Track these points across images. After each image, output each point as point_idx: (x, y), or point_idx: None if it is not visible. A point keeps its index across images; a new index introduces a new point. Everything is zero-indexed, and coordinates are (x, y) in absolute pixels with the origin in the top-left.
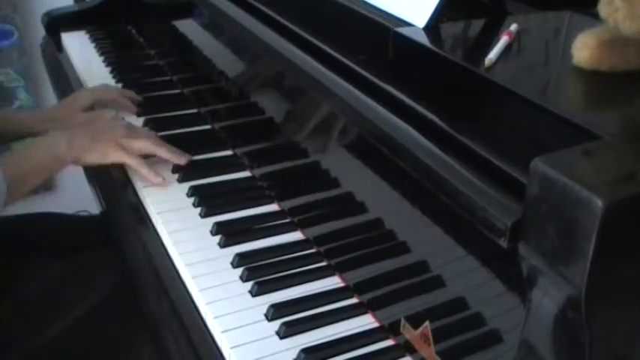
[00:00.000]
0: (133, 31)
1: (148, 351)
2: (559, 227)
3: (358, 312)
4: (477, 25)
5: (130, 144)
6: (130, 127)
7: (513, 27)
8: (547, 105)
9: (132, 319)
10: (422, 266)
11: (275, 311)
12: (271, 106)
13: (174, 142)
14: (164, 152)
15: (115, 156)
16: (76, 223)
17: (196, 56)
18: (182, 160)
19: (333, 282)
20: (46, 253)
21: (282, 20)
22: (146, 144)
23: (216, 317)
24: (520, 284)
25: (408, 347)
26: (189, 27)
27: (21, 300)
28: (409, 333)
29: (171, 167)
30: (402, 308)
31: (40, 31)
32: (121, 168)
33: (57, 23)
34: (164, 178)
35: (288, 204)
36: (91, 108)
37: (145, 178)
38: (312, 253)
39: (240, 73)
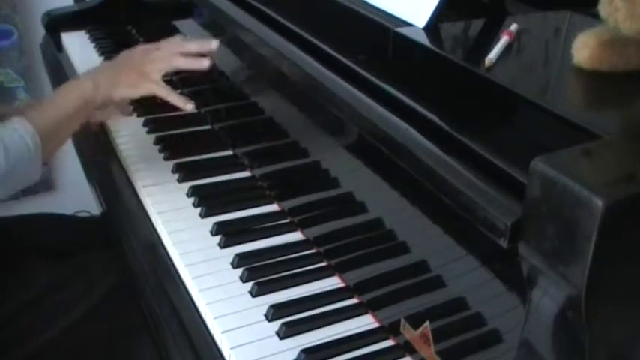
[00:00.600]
0: (133, 31)
1: (148, 351)
2: (559, 227)
3: (358, 312)
4: (477, 25)
5: (152, 69)
6: (148, 49)
7: (513, 27)
8: (547, 105)
9: (132, 320)
10: (422, 266)
11: (275, 311)
12: (271, 106)
13: (174, 142)
14: (183, 63)
15: (144, 88)
16: (76, 224)
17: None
18: (204, 64)
19: (333, 282)
20: (46, 254)
21: (282, 20)
22: (165, 63)
23: (216, 317)
24: (520, 284)
25: (408, 347)
26: (189, 27)
27: (21, 301)
28: (409, 333)
29: (171, 168)
30: (402, 308)
31: (40, 31)
32: (121, 168)
33: (57, 23)
34: (194, 103)
35: (288, 204)
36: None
37: (177, 104)
38: (312, 253)
39: (240, 73)
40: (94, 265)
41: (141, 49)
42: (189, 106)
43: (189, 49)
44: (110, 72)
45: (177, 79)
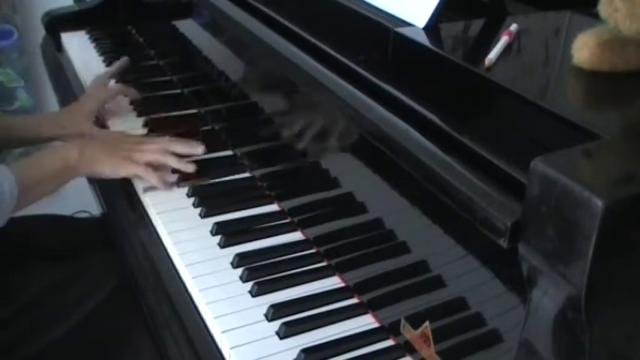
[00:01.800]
0: (133, 31)
1: (148, 351)
2: (559, 227)
3: (358, 312)
4: (477, 25)
5: (140, 157)
6: (139, 140)
7: (513, 27)
8: (547, 105)
9: (132, 320)
10: (422, 266)
11: (275, 311)
12: (271, 106)
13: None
14: (172, 162)
15: (126, 170)
16: (76, 225)
17: (196, 56)
18: (189, 168)
19: (333, 282)
20: (47, 255)
21: (282, 20)
22: (154, 156)
23: (216, 317)
24: (520, 284)
25: (408, 347)
26: (189, 27)
27: (22, 303)
28: (409, 333)
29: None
30: (402, 308)
31: (40, 31)
32: None
33: (57, 23)
34: (172, 183)
35: (288, 204)
36: (97, 112)
37: (157, 186)
38: (312, 253)
39: (240, 73)
40: (95, 266)
41: (133, 138)
42: (169, 187)
43: (177, 150)
44: (99, 148)
45: (177, 80)
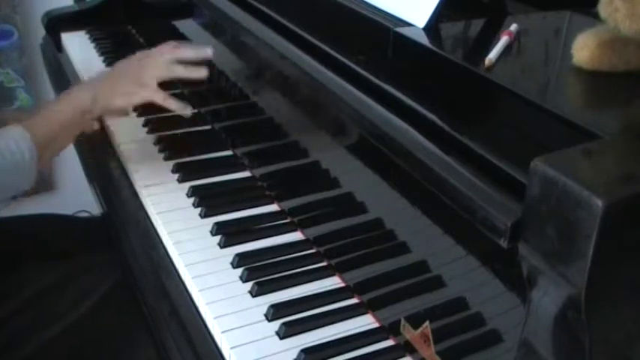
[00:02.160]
0: (133, 31)
1: (148, 351)
2: (559, 227)
3: (358, 312)
4: (477, 25)
5: (148, 78)
6: (143, 57)
7: (513, 27)
8: (547, 105)
9: (132, 320)
10: (422, 266)
11: (275, 311)
12: (271, 106)
13: (174, 142)
14: (181, 72)
15: (140, 96)
16: (76, 224)
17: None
18: (202, 73)
19: (333, 282)
20: (46, 254)
21: (282, 20)
22: (162, 72)
23: (216, 317)
24: (520, 284)
25: (408, 347)
26: (189, 27)
27: (20, 301)
28: (409, 333)
29: (171, 168)
30: (402, 308)
31: (40, 31)
32: (121, 168)
33: (57, 23)
34: (191, 108)
35: (288, 204)
36: None
37: (174, 110)
38: (312, 253)
39: (240, 73)
40: (94, 265)
41: (136, 58)
42: (187, 111)
43: (185, 56)
44: (107, 83)
45: (177, 80)
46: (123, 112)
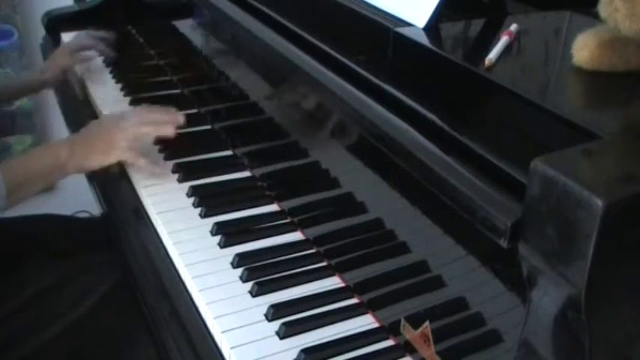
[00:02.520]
0: (133, 31)
1: (148, 351)
2: (559, 227)
3: (358, 312)
4: (477, 25)
5: (121, 140)
6: (118, 120)
7: (513, 27)
8: (547, 105)
9: (132, 320)
10: (422, 266)
11: (275, 311)
12: (271, 106)
13: (174, 142)
14: (151, 130)
15: (111, 158)
16: (76, 224)
17: (196, 56)
18: (169, 132)
19: (333, 282)
20: (46, 254)
21: (282, 20)
22: (133, 133)
23: (216, 317)
24: (520, 284)
25: (408, 347)
26: (189, 27)
27: (20, 301)
28: (409, 333)
29: (171, 167)
30: (402, 308)
31: (40, 31)
32: (120, 166)
33: (57, 23)
34: (160, 168)
35: (288, 204)
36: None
37: (146, 170)
38: (312, 253)
39: (240, 73)
40: (94, 265)
41: (110, 120)
42: (156, 170)
43: (155, 118)
44: (83, 143)
45: (177, 80)
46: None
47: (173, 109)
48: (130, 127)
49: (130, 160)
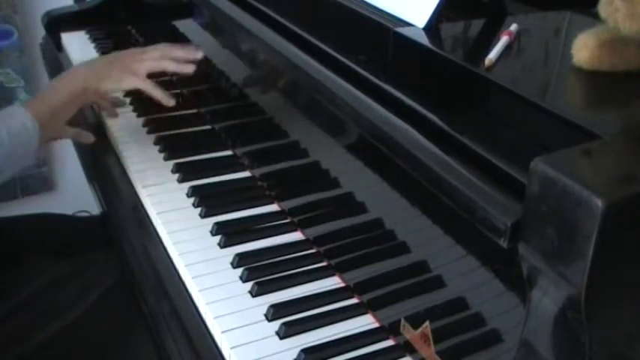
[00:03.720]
0: (133, 31)
1: (147, 351)
2: (559, 227)
3: (358, 312)
4: (477, 25)
5: (139, 68)
6: (139, 52)
7: (513, 27)
8: (547, 105)
9: (132, 320)
10: (422, 266)
11: (275, 311)
12: (271, 106)
13: (174, 142)
14: (171, 66)
15: (127, 83)
16: (76, 223)
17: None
18: (188, 68)
19: (333, 282)
20: (46, 253)
21: (282, 20)
22: (153, 64)
23: (216, 317)
24: (520, 284)
25: (408, 347)
26: (189, 27)
27: (19, 299)
28: (409, 333)
29: (171, 168)
30: (402, 308)
31: (40, 31)
32: (121, 168)
33: (57, 23)
34: (174, 99)
35: (288, 204)
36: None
37: (159, 100)
38: (312, 253)
39: (240, 73)
40: (94, 264)
41: (132, 50)
42: (171, 102)
43: (176, 55)
44: (100, 67)
45: (178, 80)
46: (112, 104)
47: (193, 47)
48: (150, 59)
49: (145, 87)
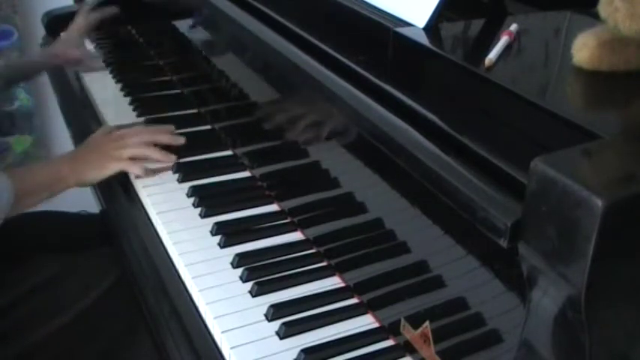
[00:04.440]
0: (133, 31)
1: (147, 351)
2: (559, 227)
3: (358, 312)
4: (477, 25)
5: (123, 154)
6: (120, 137)
7: (513, 27)
8: (547, 105)
9: (131, 320)
10: (422, 266)
11: (275, 311)
12: (271, 105)
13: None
14: (155, 155)
15: (110, 169)
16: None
17: (196, 56)
18: (171, 160)
19: (333, 282)
20: (46, 250)
21: (282, 20)
22: (136, 151)
23: (216, 317)
24: (520, 284)
25: (408, 347)
26: (189, 27)
27: (19, 294)
28: (409, 333)
29: (171, 168)
30: (402, 308)
31: (40, 31)
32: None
33: (57, 23)
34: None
35: (288, 204)
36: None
37: (141, 176)
38: (312, 253)
39: (240, 73)
40: (94, 263)
41: (110, 136)
42: (172, 160)
43: (160, 141)
44: (82, 158)
45: (177, 80)
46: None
47: (173, 130)
48: (132, 146)
49: (131, 170)
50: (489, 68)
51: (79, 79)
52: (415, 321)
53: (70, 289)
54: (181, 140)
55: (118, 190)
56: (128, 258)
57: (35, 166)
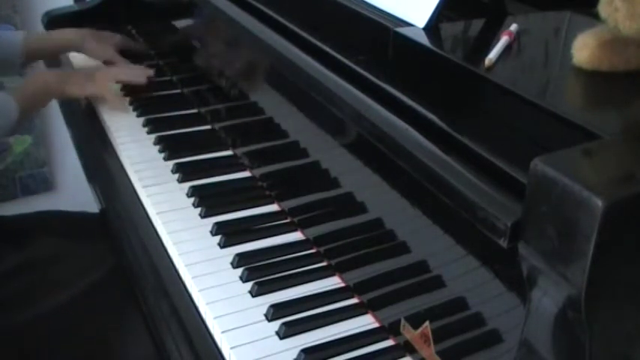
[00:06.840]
0: (133, 31)
1: (148, 351)
2: (559, 227)
3: (358, 312)
4: (477, 25)
5: (101, 77)
6: (104, 67)
7: (513, 27)
8: (547, 105)
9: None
10: (422, 266)
11: (275, 311)
12: (271, 106)
13: (174, 142)
14: (125, 76)
15: (90, 90)
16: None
17: (196, 56)
18: (141, 79)
19: (333, 282)
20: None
21: (282, 20)
22: (113, 75)
23: (216, 317)
24: (520, 284)
25: (408, 347)
26: (189, 27)
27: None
28: (409, 333)
29: (171, 168)
30: (402, 308)
31: (40, 31)
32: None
33: (57, 23)
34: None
35: (288, 204)
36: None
37: (113, 104)
38: (312, 253)
39: (240, 73)
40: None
41: (98, 65)
42: (122, 107)
43: (134, 70)
44: (69, 74)
45: (177, 80)
46: (121, 105)
47: (144, 68)
48: (111, 72)
49: (102, 93)
50: (489, 68)
51: None
52: (415, 321)
53: (66, 272)
54: (150, 72)
55: (119, 191)
56: (128, 258)
57: (25, 85)
